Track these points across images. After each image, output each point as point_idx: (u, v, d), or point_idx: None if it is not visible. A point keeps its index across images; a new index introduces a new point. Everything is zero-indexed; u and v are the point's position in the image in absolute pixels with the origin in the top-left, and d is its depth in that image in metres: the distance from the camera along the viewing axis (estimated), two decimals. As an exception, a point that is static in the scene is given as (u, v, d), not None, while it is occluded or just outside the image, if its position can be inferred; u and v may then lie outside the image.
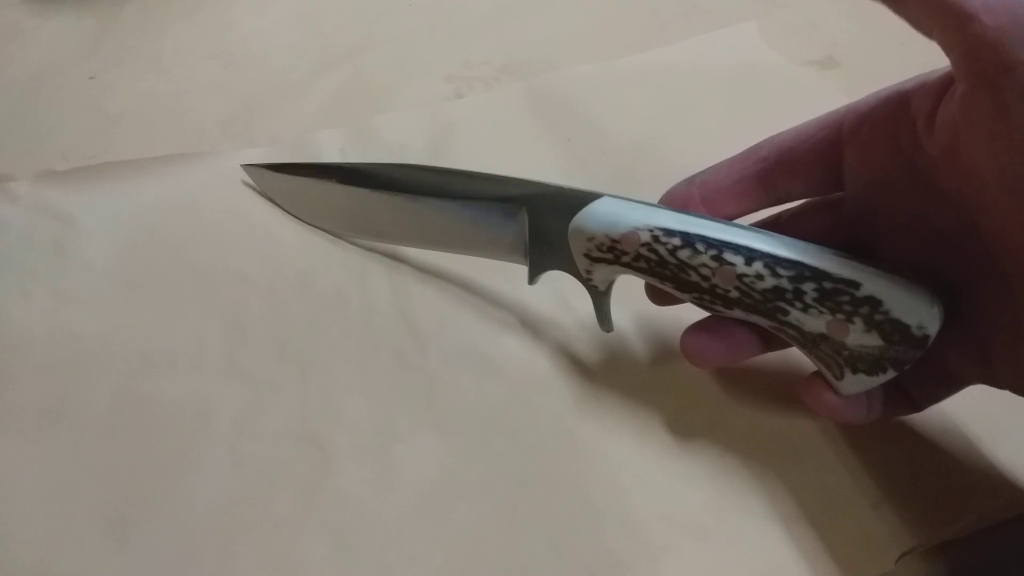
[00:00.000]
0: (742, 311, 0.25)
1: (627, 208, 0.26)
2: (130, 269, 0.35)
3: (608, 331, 0.29)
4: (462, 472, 0.28)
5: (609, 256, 0.26)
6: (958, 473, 0.27)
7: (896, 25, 0.46)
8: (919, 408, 0.26)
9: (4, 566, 0.27)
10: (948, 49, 0.19)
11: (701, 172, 0.27)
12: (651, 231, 0.25)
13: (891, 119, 0.23)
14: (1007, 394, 0.23)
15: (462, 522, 0.26)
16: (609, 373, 0.30)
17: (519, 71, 0.44)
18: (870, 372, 0.24)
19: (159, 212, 0.37)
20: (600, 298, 0.28)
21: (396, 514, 0.27)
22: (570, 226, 0.26)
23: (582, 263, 0.27)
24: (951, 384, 0.25)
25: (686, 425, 0.28)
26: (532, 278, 0.29)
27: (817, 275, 0.23)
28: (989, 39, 0.18)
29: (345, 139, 0.40)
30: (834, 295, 0.23)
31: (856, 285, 0.23)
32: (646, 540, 0.26)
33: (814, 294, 0.23)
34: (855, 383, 0.24)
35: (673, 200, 0.27)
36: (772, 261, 0.23)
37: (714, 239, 0.24)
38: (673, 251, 0.25)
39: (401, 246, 0.34)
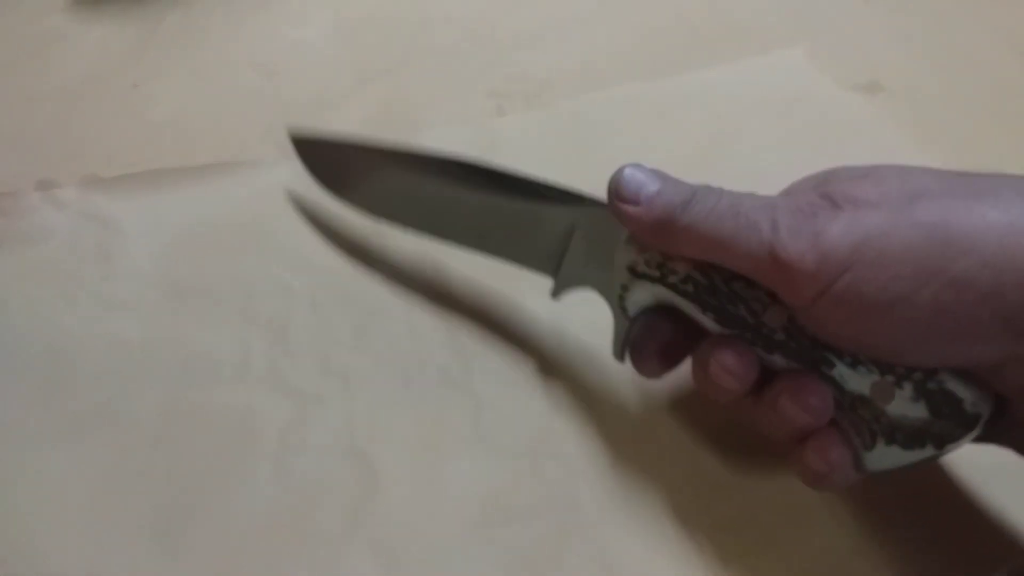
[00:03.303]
0: (782, 357, 0.23)
1: None
2: (174, 277, 0.35)
3: (620, 361, 0.27)
4: (510, 493, 0.27)
5: (656, 273, 0.25)
6: (960, 536, 0.26)
7: (938, 49, 0.46)
8: None
9: (51, 572, 0.27)
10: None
11: None
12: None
13: None
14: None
15: (511, 544, 0.26)
16: (649, 403, 0.30)
17: (560, 87, 0.44)
18: (906, 444, 0.22)
19: (203, 220, 0.37)
20: (624, 324, 0.27)
21: (444, 534, 0.27)
22: (623, 236, 0.25)
23: (622, 277, 0.26)
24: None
25: (698, 484, 0.28)
26: (557, 292, 0.28)
27: None
28: (787, 290, 0.22)
29: (389, 153, 0.40)
30: None
31: None
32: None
33: None
34: (886, 457, 0.22)
35: None
36: None
37: None
38: (728, 279, 0.23)
39: (431, 236, 0.32)
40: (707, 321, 0.24)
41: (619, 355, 0.27)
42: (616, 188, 0.24)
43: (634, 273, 0.25)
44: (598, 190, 0.39)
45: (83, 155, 0.41)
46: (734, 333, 0.24)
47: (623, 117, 0.41)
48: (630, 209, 0.24)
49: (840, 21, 0.47)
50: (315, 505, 0.28)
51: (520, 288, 0.33)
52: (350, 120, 0.43)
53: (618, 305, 0.26)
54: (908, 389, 0.21)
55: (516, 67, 0.45)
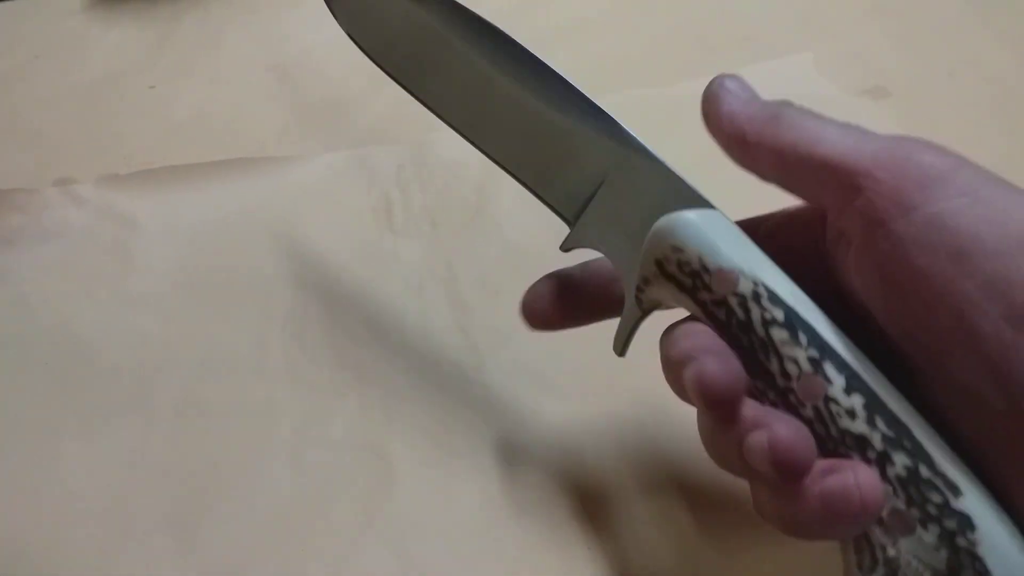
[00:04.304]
0: None
1: (739, 242, 0.21)
2: (191, 273, 0.36)
3: (620, 355, 0.24)
4: (522, 488, 0.28)
5: (687, 282, 0.21)
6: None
7: (944, 55, 0.47)
8: None
9: (69, 565, 0.27)
10: (839, 209, 0.20)
11: None
12: (756, 285, 0.20)
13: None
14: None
15: (523, 537, 0.27)
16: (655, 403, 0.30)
17: (571, 92, 0.44)
18: None
19: (220, 217, 0.38)
20: (635, 315, 0.23)
21: (457, 528, 0.27)
22: (660, 221, 0.21)
23: (648, 269, 0.21)
24: None
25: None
26: (568, 246, 0.24)
27: (919, 453, 0.18)
28: (885, 190, 0.19)
29: (403, 155, 0.40)
30: (925, 487, 0.18)
31: (956, 491, 0.18)
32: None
33: (902, 471, 0.18)
34: None
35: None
36: (876, 406, 0.19)
37: (823, 340, 0.19)
38: (767, 324, 0.20)
39: (456, 124, 0.27)
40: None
41: (620, 350, 0.24)
42: (721, 81, 0.23)
43: (661, 270, 0.21)
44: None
45: (102, 154, 0.42)
46: (755, 384, 0.20)
47: (632, 122, 0.42)
48: (731, 98, 0.23)
49: (847, 27, 0.48)
50: (330, 498, 0.28)
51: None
52: (364, 122, 0.43)
53: (634, 294, 0.22)
54: (932, 533, 0.18)
55: (527, 71, 0.46)
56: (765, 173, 0.22)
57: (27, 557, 0.27)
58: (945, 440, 0.19)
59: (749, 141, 0.21)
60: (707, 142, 0.42)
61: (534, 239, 0.35)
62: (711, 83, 0.23)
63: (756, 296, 0.20)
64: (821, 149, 0.20)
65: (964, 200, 0.18)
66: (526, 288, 0.33)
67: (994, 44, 0.46)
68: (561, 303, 0.25)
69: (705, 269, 0.21)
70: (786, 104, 0.22)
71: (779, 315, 0.20)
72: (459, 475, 0.28)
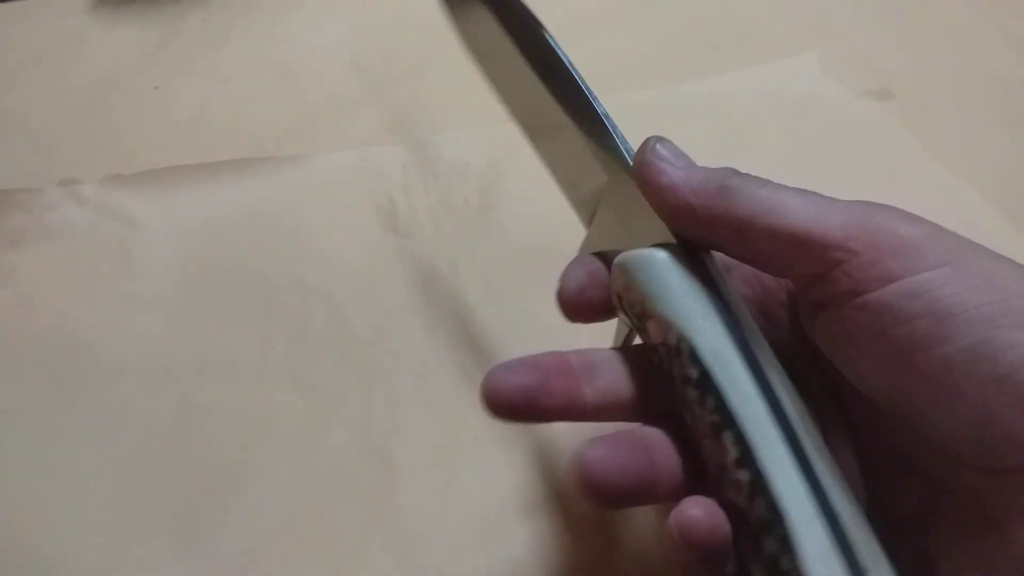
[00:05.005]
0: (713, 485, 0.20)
1: (686, 290, 0.20)
2: (193, 274, 0.36)
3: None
4: (526, 489, 0.28)
5: (634, 320, 0.21)
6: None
7: (948, 57, 0.47)
8: None
9: (72, 566, 0.27)
10: (808, 280, 0.20)
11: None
12: (680, 340, 0.20)
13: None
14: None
15: (527, 539, 0.27)
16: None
17: (574, 93, 0.44)
18: None
19: (222, 217, 0.38)
20: (626, 329, 0.23)
21: (460, 530, 0.27)
22: (619, 257, 0.21)
23: (613, 297, 0.22)
24: None
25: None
26: (584, 249, 0.25)
27: (785, 543, 0.18)
28: (862, 262, 0.18)
29: (406, 156, 0.40)
30: None
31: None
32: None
33: (767, 557, 0.18)
34: None
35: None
36: (759, 488, 0.18)
37: (728, 409, 0.19)
38: (684, 380, 0.20)
39: (515, 114, 0.30)
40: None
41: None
42: (652, 147, 0.21)
43: (619, 301, 0.22)
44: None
45: (105, 154, 0.42)
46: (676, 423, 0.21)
47: (637, 123, 0.41)
48: (669, 168, 0.21)
49: (852, 29, 0.48)
50: (333, 501, 0.28)
51: (537, 289, 0.34)
52: (366, 123, 0.43)
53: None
54: None
55: (531, 72, 0.46)
56: (719, 246, 0.21)
57: (29, 558, 0.27)
58: (901, 487, 0.20)
59: (699, 216, 0.20)
60: (709, 143, 0.41)
61: (537, 240, 0.35)
62: (641, 149, 0.22)
63: (678, 351, 0.20)
64: (785, 222, 0.19)
65: (945, 270, 0.18)
66: (530, 289, 0.34)
67: (999, 45, 0.46)
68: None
69: (646, 313, 0.21)
70: (731, 172, 0.20)
71: (694, 374, 0.19)
72: (461, 476, 0.28)
